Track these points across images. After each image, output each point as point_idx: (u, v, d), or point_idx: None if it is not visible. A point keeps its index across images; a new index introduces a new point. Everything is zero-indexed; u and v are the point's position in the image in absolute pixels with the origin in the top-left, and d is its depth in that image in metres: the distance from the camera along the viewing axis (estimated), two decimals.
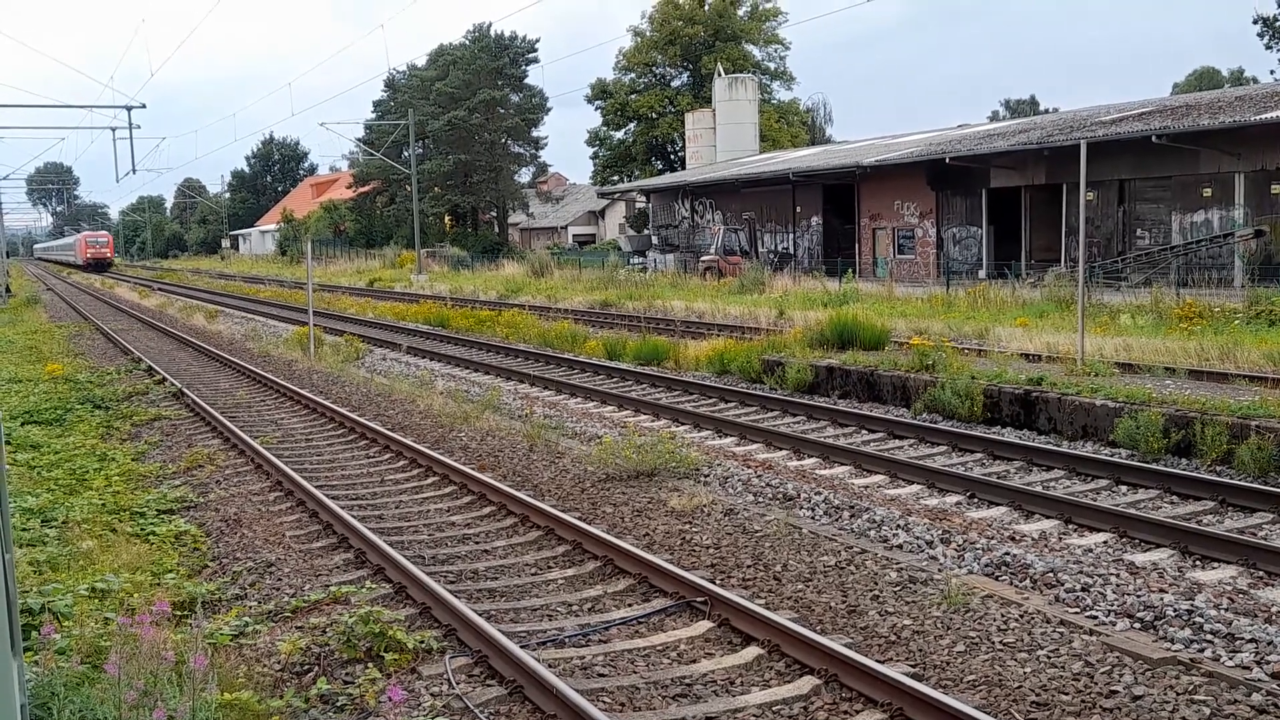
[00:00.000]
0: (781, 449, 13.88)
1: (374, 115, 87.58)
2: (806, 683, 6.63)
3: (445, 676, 6.83)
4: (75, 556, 9.26)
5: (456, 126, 77.10)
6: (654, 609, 8.06)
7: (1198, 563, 8.92)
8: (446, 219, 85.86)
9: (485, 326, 30.74)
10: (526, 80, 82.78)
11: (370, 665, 6.91)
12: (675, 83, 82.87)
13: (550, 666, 6.78)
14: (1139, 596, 7.70)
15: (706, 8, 79.91)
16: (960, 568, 8.61)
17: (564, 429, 15.15)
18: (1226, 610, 7.46)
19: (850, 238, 48.81)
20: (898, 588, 8.14)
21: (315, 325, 26.43)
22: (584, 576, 8.97)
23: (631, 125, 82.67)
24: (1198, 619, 7.25)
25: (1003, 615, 7.42)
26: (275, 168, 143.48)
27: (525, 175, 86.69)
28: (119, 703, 5.53)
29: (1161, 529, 9.49)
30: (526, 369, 22.63)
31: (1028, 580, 8.23)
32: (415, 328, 33.07)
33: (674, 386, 19.30)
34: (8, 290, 55.63)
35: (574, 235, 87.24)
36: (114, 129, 48.94)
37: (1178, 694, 6.14)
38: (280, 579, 9.02)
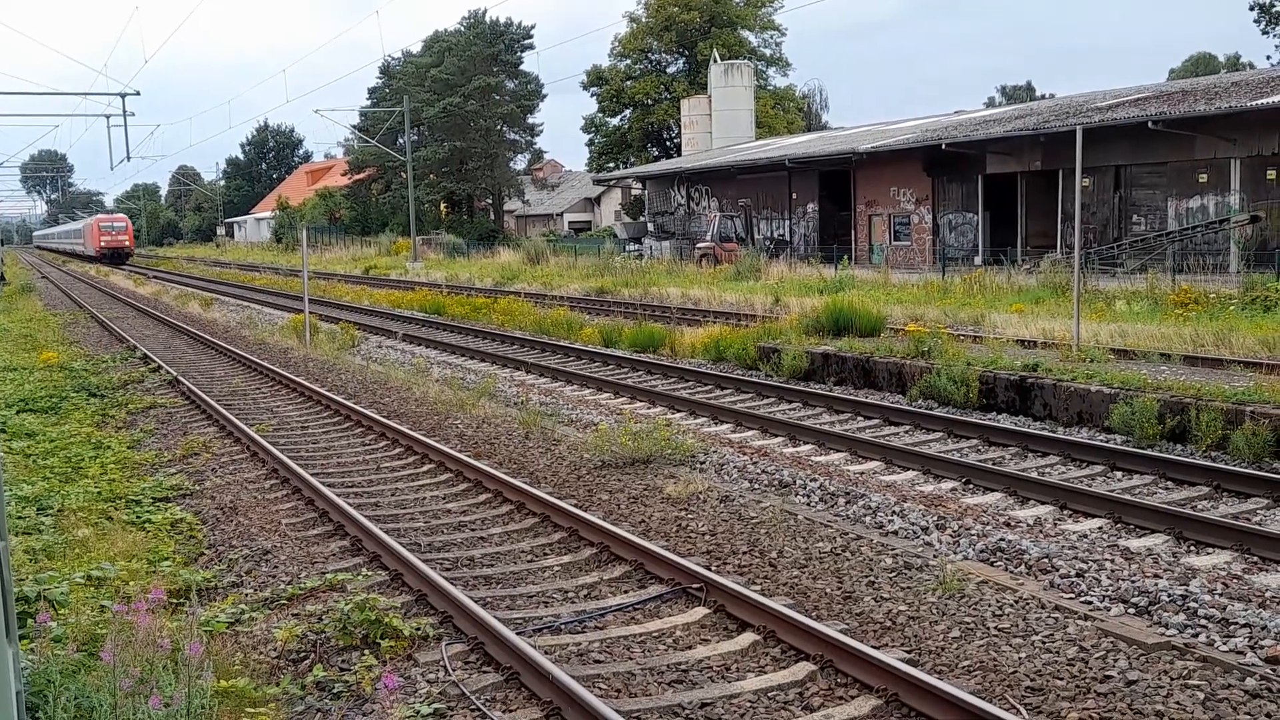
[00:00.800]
0: (777, 435, 13.89)
1: (369, 102, 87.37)
2: (802, 668, 6.65)
3: (441, 663, 6.84)
4: (71, 544, 9.26)
5: (452, 113, 76.91)
6: (650, 595, 8.08)
7: (1192, 548, 8.94)
8: (442, 206, 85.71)
9: (481, 314, 30.71)
10: (522, 67, 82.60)
11: (366, 652, 6.92)
12: (671, 69, 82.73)
13: (546, 653, 6.79)
14: (1133, 582, 7.73)
15: None
16: (955, 553, 8.63)
17: (560, 416, 15.16)
18: (1221, 595, 7.49)
19: (846, 224, 48.79)
20: (893, 574, 8.15)
21: (311, 313, 26.40)
22: (580, 563, 8.98)
23: (627, 112, 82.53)
24: (1192, 604, 7.27)
25: (997, 601, 7.44)
26: (270, 155, 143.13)
27: (521, 162, 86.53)
28: (114, 690, 5.53)
29: (1156, 514, 9.51)
30: (522, 356, 22.62)
31: (1022, 566, 8.25)
32: (411, 315, 33.04)
33: (670, 373, 19.30)
34: (2, 278, 55.53)
35: (570, 222, 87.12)
36: (108, 116, 48.99)
37: (1172, 679, 6.16)
38: (276, 566, 9.03)
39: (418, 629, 7.23)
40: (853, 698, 6.30)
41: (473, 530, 10.10)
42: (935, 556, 8.43)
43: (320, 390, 17.60)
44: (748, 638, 7.18)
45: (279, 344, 25.21)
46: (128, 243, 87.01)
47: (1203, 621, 7.04)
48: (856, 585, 8.03)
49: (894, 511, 9.79)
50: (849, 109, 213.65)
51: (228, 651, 6.89)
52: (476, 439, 13.82)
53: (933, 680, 6.09)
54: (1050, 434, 13.01)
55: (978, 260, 39.15)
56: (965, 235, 42.77)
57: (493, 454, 12.96)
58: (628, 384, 18.10)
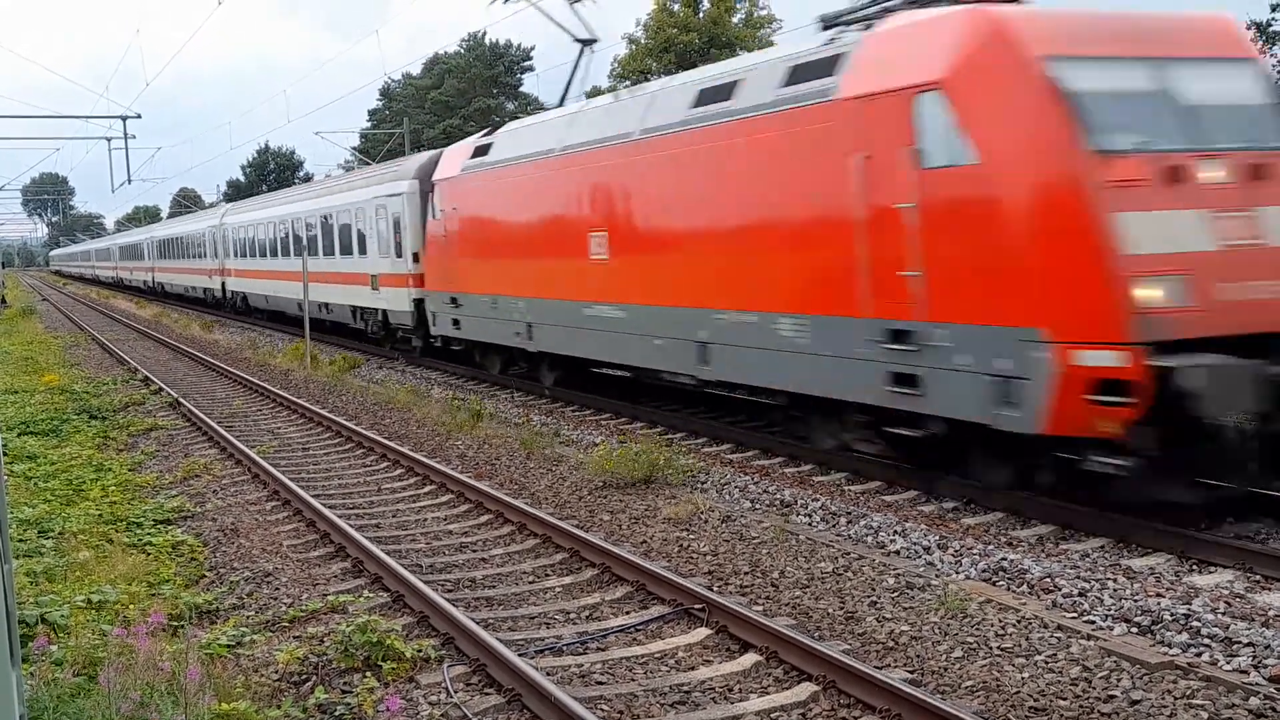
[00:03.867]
0: (778, 455, 13.86)
1: (369, 124, 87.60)
2: (805, 689, 6.63)
3: (443, 685, 6.82)
4: (72, 567, 9.24)
5: (452, 135, 77.15)
6: (652, 616, 8.06)
7: (1194, 567, 8.92)
8: None
9: None
10: (522, 88, 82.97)
11: (368, 674, 6.90)
12: None
13: (549, 675, 6.78)
14: (1136, 601, 7.71)
15: (701, 15, 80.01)
16: (957, 573, 8.60)
17: (561, 436, 15.15)
18: (1224, 614, 7.47)
19: None
20: (895, 593, 8.14)
21: (312, 335, 26.41)
22: (582, 584, 8.97)
23: None
24: (1195, 623, 7.25)
25: (1000, 620, 7.43)
26: (271, 176, 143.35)
27: None
28: (113, 714, 5.52)
29: (1158, 533, 9.48)
30: (524, 376, 22.57)
31: (1025, 585, 8.23)
32: None
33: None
34: (3, 301, 55.63)
35: None
36: (109, 139, 49.08)
37: (1175, 698, 6.15)
38: (278, 588, 9.02)
39: (419, 651, 7.21)
40: (856, 719, 6.28)
41: (474, 551, 10.08)
42: (937, 576, 8.41)
43: (321, 412, 17.60)
44: (750, 658, 7.16)
45: (280, 366, 25.22)
46: None
47: (1206, 641, 7.02)
48: (859, 605, 8.01)
49: (895, 531, 9.77)
50: None
51: (229, 674, 6.86)
52: (478, 460, 13.81)
53: (936, 701, 6.08)
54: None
55: None
56: None
57: (494, 475, 12.96)
58: (629, 403, 18.07)
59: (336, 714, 6.46)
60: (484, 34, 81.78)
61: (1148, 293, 8.65)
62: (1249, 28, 50.88)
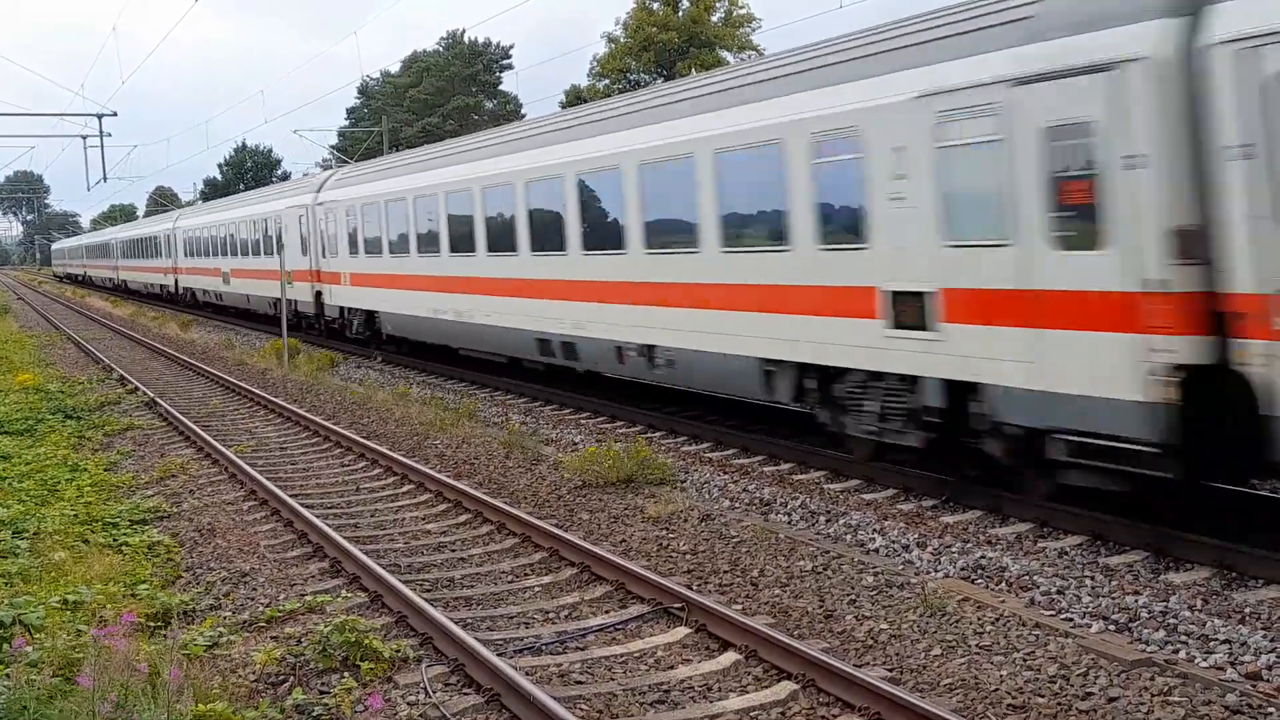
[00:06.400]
0: (757, 454, 13.87)
1: (348, 122, 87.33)
2: (784, 688, 6.64)
3: (422, 685, 6.80)
4: (47, 568, 9.17)
5: (430, 133, 76.92)
6: (631, 615, 8.06)
7: (1171, 564, 8.96)
8: None
9: None
10: (501, 87, 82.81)
11: (346, 675, 6.87)
12: None
13: (528, 674, 6.76)
14: (1113, 598, 7.75)
15: (681, 14, 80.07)
16: (936, 571, 8.63)
17: (540, 436, 15.12)
18: (1200, 611, 7.52)
19: None
20: (874, 592, 8.16)
21: (290, 334, 26.28)
22: (561, 583, 8.95)
23: None
24: (1172, 620, 7.30)
25: (978, 618, 7.45)
26: (248, 175, 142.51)
27: None
28: (94, 715, 5.47)
29: (1135, 531, 9.52)
30: (502, 376, 22.54)
31: (1003, 583, 8.26)
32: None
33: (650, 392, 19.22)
34: None
35: None
36: (85, 137, 48.75)
37: (1153, 695, 6.18)
38: (255, 589, 8.97)
39: (398, 651, 7.19)
40: (835, 717, 6.29)
41: (453, 551, 10.05)
42: (916, 574, 8.44)
43: (299, 411, 17.52)
44: (729, 657, 7.17)
45: (257, 365, 25.10)
46: None
47: (1183, 638, 7.07)
48: (838, 604, 8.03)
49: (875, 529, 9.80)
50: None
51: (206, 675, 6.82)
52: (456, 459, 13.77)
53: (915, 699, 6.09)
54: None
55: None
56: None
57: (473, 474, 12.92)
58: (608, 403, 18.04)
59: (314, 714, 6.43)
60: (463, 32, 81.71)
61: None
62: None
